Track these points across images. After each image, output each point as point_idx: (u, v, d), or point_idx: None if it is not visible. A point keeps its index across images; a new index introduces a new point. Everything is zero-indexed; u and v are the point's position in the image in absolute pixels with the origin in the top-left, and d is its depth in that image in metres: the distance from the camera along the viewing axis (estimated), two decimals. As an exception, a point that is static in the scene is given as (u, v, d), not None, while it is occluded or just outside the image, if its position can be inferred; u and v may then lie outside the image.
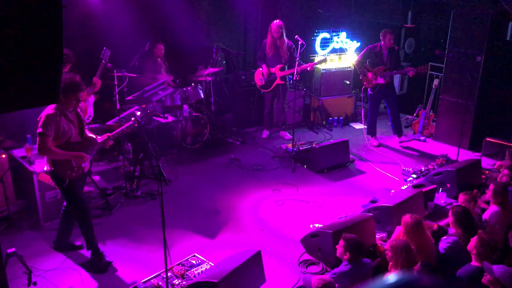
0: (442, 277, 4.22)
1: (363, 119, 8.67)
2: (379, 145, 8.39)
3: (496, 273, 3.77)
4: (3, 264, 3.30)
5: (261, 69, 8.31)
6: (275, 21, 8.09)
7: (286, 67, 8.17)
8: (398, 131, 8.44)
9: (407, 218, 4.54)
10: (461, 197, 5.28)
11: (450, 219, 4.75)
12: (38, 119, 4.59)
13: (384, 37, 7.87)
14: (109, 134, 5.02)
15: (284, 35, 8.07)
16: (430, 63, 9.04)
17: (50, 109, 4.62)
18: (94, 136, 4.91)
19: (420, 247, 4.37)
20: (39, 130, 4.50)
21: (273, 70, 8.21)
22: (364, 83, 8.13)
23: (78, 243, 5.25)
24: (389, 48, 7.95)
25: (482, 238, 4.14)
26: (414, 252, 4.22)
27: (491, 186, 5.23)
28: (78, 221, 4.94)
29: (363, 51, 8.16)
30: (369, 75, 7.96)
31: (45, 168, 5.04)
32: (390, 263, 4.25)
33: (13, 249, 4.39)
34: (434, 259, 4.48)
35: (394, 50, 8.07)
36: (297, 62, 7.51)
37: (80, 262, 5.09)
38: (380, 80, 7.91)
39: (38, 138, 4.51)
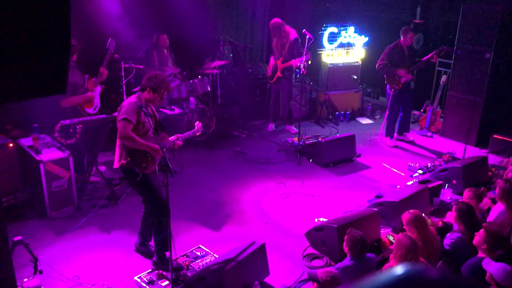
0: (451, 271, 4.21)
1: (388, 118, 8.27)
2: (395, 146, 8.20)
3: (492, 269, 3.75)
4: (10, 251, 3.33)
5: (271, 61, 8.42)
6: None
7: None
8: (405, 129, 8.33)
9: (406, 214, 4.56)
10: (466, 193, 5.26)
11: (453, 215, 4.73)
12: (119, 108, 4.54)
13: (405, 35, 7.67)
14: (179, 135, 4.93)
15: (283, 31, 8.07)
16: (438, 59, 8.98)
17: (131, 98, 4.58)
18: (166, 135, 4.82)
19: (423, 242, 4.37)
20: (123, 116, 4.43)
21: (277, 62, 8.27)
22: (393, 85, 7.87)
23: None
24: (408, 46, 7.80)
25: (489, 230, 4.12)
26: (418, 250, 4.20)
27: (500, 184, 5.17)
28: (153, 221, 4.72)
29: (385, 52, 7.85)
30: (401, 72, 7.71)
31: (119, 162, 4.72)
32: (391, 255, 4.25)
33: (19, 237, 4.42)
34: (438, 255, 4.48)
35: (412, 47, 7.99)
36: (304, 56, 7.49)
37: (85, 251, 5.13)
38: (409, 76, 7.73)
39: (121, 124, 4.42)
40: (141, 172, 4.60)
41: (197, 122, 5.22)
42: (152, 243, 5.09)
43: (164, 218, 4.54)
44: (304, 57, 7.56)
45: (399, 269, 1.08)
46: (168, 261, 4.68)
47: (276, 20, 8.17)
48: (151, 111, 4.69)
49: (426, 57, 7.66)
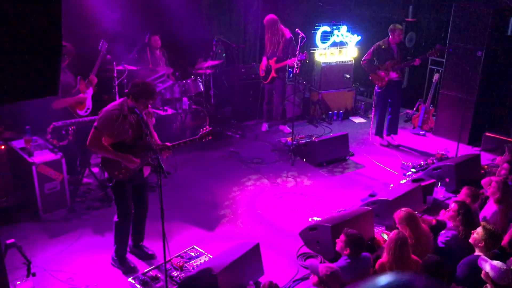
0: (436, 280, 4.21)
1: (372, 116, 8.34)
2: (388, 144, 8.18)
3: (488, 267, 3.77)
4: (2, 254, 3.30)
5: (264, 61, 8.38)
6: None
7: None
8: (392, 130, 8.25)
9: (398, 212, 4.58)
10: (464, 191, 5.25)
11: (451, 213, 4.73)
12: (99, 112, 4.54)
13: (393, 32, 7.59)
14: (168, 144, 4.81)
15: (278, 29, 8.04)
16: (430, 57, 9.01)
17: (113, 106, 4.54)
18: (156, 143, 4.72)
19: (415, 240, 4.39)
20: (95, 124, 4.46)
21: (270, 62, 8.24)
22: (376, 82, 7.88)
23: (150, 252, 5.09)
24: (397, 43, 7.73)
25: (487, 228, 4.14)
26: (409, 247, 4.22)
27: (493, 184, 5.16)
28: (116, 225, 4.82)
29: (371, 49, 7.83)
30: (381, 73, 7.71)
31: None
32: (384, 252, 4.26)
33: (12, 240, 4.39)
34: (431, 252, 4.50)
35: (403, 44, 7.97)
36: (297, 55, 7.47)
37: (79, 253, 5.11)
38: (394, 75, 7.70)
39: (91, 132, 4.45)
40: (114, 178, 4.59)
41: (206, 126, 5.05)
42: (144, 243, 5.09)
43: (125, 228, 4.82)
44: (301, 55, 7.52)
45: (384, 279, 1.05)
46: (126, 262, 4.89)
47: (272, 16, 8.13)
48: (136, 119, 4.53)
49: (418, 58, 7.58)
